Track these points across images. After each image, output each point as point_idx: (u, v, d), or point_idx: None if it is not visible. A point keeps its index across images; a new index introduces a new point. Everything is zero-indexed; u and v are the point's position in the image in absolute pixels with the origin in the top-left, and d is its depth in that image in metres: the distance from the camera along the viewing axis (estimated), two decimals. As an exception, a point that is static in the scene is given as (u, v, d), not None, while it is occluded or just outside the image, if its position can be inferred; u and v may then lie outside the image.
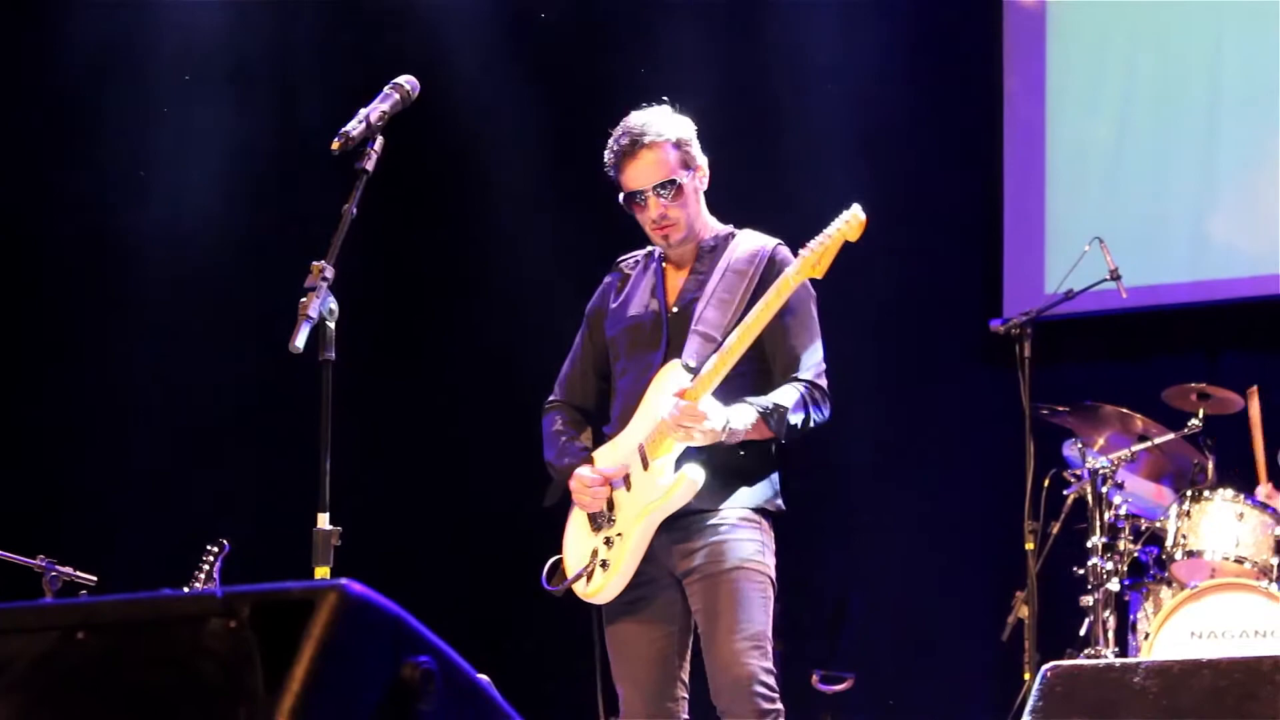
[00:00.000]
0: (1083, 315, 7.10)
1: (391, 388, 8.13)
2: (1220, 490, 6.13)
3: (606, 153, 4.55)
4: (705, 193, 4.61)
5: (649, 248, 4.70)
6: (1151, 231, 7.41)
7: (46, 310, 8.11)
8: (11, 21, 8.05)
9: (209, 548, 6.03)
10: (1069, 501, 6.34)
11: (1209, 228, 7.43)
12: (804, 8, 7.81)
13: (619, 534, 4.44)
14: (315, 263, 3.73)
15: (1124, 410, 6.38)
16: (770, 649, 4.36)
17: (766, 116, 7.79)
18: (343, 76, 7.83)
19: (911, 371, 7.74)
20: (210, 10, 8.09)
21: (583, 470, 4.51)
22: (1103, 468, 6.20)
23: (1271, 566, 5.97)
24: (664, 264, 4.64)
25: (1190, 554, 6.07)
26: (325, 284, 3.72)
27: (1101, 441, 6.43)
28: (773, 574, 4.43)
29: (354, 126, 3.91)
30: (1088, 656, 5.98)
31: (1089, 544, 6.18)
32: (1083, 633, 6.15)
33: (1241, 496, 6.10)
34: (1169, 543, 6.13)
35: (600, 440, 4.65)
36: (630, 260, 4.74)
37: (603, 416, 4.69)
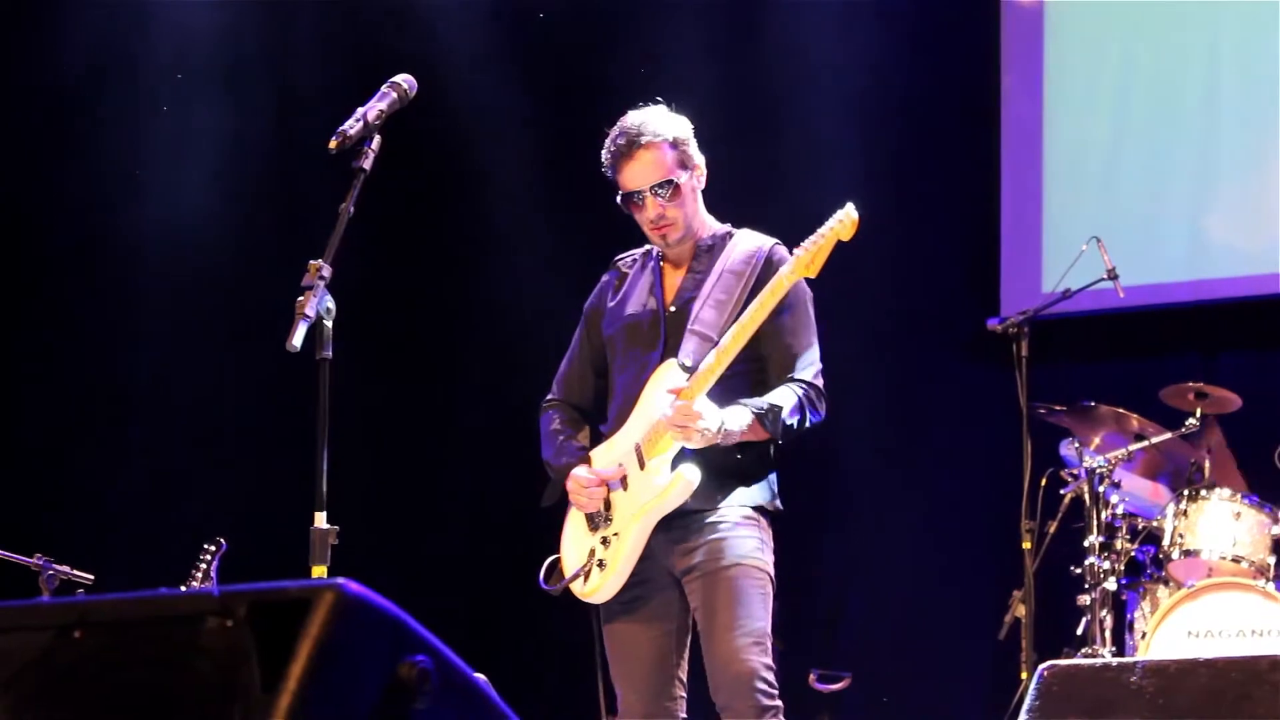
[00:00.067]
0: (1080, 314, 7.11)
1: (389, 387, 8.13)
2: (1217, 489, 6.14)
3: (603, 153, 4.55)
4: (703, 192, 4.61)
5: (647, 246, 4.70)
6: (1149, 231, 7.41)
7: (44, 309, 8.10)
8: (8, 21, 8.04)
9: (206, 546, 6.03)
10: (1066, 501, 6.34)
11: (1206, 227, 7.43)
12: (801, 7, 7.81)
13: (615, 534, 4.44)
14: (312, 261, 3.73)
15: (1121, 409, 6.38)
16: (770, 645, 4.36)
17: (764, 115, 7.79)
18: (340, 76, 7.83)
19: (909, 370, 7.75)
20: (206, 9, 8.08)
21: (579, 470, 4.51)
22: (1100, 467, 6.21)
23: (1268, 566, 5.97)
24: (661, 263, 4.64)
25: (1187, 553, 6.07)
26: (322, 283, 3.72)
27: (1098, 441, 6.43)
28: (772, 572, 4.43)
29: (351, 125, 3.91)
30: (1085, 656, 5.98)
31: (1086, 543, 6.19)
32: (1080, 632, 6.15)
33: (1238, 496, 6.11)
34: (1166, 542, 6.13)
35: (597, 439, 4.65)
36: (628, 259, 4.74)
37: (600, 415, 4.69)
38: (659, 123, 4.52)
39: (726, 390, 4.34)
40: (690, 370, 4.35)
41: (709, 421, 4.26)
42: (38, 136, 8.03)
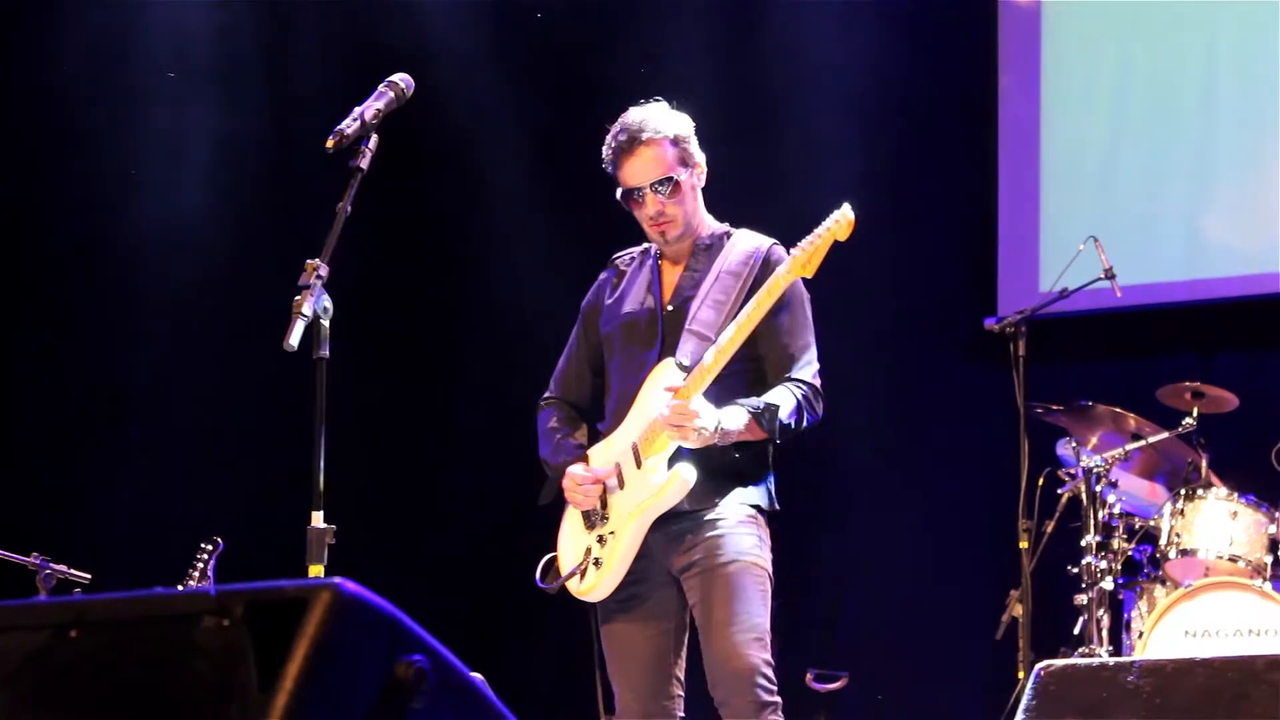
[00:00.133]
0: (1077, 314, 7.11)
1: (387, 386, 8.13)
2: (1214, 489, 6.14)
3: (604, 149, 4.55)
4: (702, 191, 4.62)
5: (644, 244, 4.71)
6: (1146, 230, 7.41)
7: (42, 308, 8.10)
8: (7, 21, 8.04)
9: (203, 546, 6.03)
10: (1063, 500, 6.34)
11: (1204, 227, 7.43)
12: (799, 7, 7.81)
13: (612, 532, 4.44)
14: (309, 261, 3.73)
15: (1118, 409, 6.39)
16: (769, 641, 4.37)
17: (762, 116, 7.79)
18: (338, 75, 7.82)
19: (906, 370, 7.75)
20: (204, 9, 8.08)
21: (575, 469, 4.52)
22: (1097, 466, 6.21)
23: (1265, 565, 5.97)
24: (659, 261, 4.64)
25: (1184, 552, 6.07)
26: (320, 282, 3.72)
27: (1095, 440, 6.43)
28: (770, 570, 4.43)
29: (349, 125, 3.91)
30: (1082, 655, 5.98)
31: (1083, 542, 6.19)
32: (1077, 631, 6.15)
33: (1235, 495, 6.11)
34: (1163, 541, 6.13)
35: (595, 437, 4.65)
36: (626, 257, 4.74)
37: (597, 413, 4.69)
38: (661, 120, 4.53)
39: (724, 390, 4.34)
40: (687, 369, 4.35)
41: (705, 421, 4.26)
42: (37, 136, 8.03)
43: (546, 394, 4.77)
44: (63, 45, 7.93)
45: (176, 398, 8.08)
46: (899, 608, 7.48)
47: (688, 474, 4.32)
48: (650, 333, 4.53)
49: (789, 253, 4.34)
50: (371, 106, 3.97)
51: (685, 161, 4.53)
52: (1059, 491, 6.35)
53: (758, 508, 4.46)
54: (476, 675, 2.13)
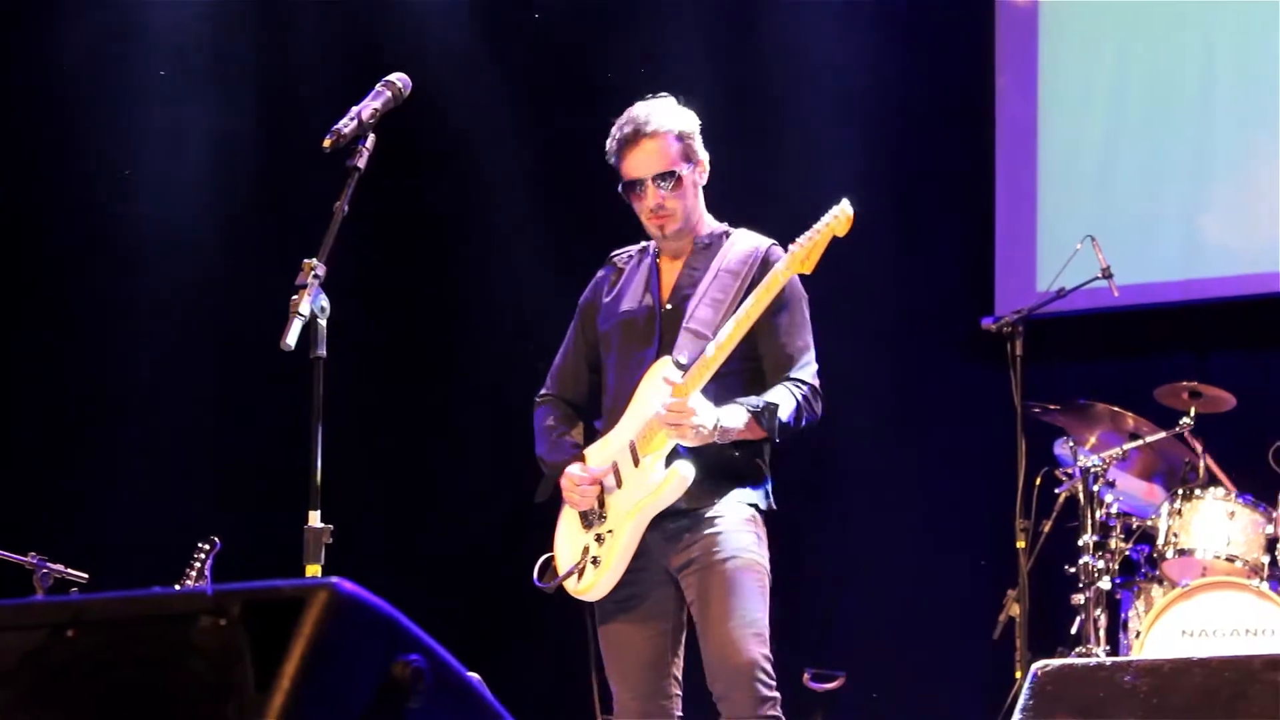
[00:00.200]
0: (1074, 313, 7.11)
1: (384, 385, 8.13)
2: (1211, 489, 6.15)
3: (609, 140, 4.56)
4: (702, 190, 4.62)
5: (642, 242, 4.71)
6: (1143, 230, 7.41)
7: (40, 308, 8.09)
8: (7, 21, 8.03)
9: (200, 545, 6.02)
10: (1060, 500, 6.34)
11: (1201, 226, 7.43)
12: (798, 8, 7.81)
13: (610, 531, 4.44)
14: (306, 260, 3.73)
15: (1115, 408, 6.39)
16: (767, 637, 4.37)
17: (760, 115, 7.79)
18: (336, 74, 7.82)
19: (903, 369, 7.75)
20: (202, 8, 8.07)
21: (572, 469, 4.51)
22: (1094, 466, 6.21)
23: (1262, 565, 5.98)
24: (658, 260, 4.64)
25: (1181, 552, 6.08)
26: (317, 281, 3.72)
27: (1093, 440, 6.43)
28: (768, 568, 4.43)
29: (346, 124, 3.91)
30: (1079, 655, 5.98)
31: (1080, 542, 6.19)
32: (1074, 631, 6.15)
33: (1233, 495, 6.11)
34: (1160, 541, 6.13)
35: (591, 434, 4.65)
36: (623, 255, 4.74)
37: (594, 410, 4.69)
38: (667, 114, 4.54)
39: (723, 389, 4.34)
40: (684, 367, 4.35)
41: (704, 418, 4.26)
42: (37, 136, 8.02)
43: (543, 391, 4.76)
44: (62, 45, 7.92)
45: (173, 397, 8.07)
46: (896, 607, 7.48)
47: (686, 471, 4.32)
48: (648, 331, 4.53)
49: (787, 249, 4.35)
50: (369, 106, 3.97)
51: (689, 157, 4.53)
52: (1056, 491, 6.35)
53: (755, 507, 4.46)
54: (474, 675, 2.13)
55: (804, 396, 4.42)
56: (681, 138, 4.53)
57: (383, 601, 1.95)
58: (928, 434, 7.65)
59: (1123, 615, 6.26)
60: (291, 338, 3.65)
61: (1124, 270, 6.57)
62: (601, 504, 4.47)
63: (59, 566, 6.03)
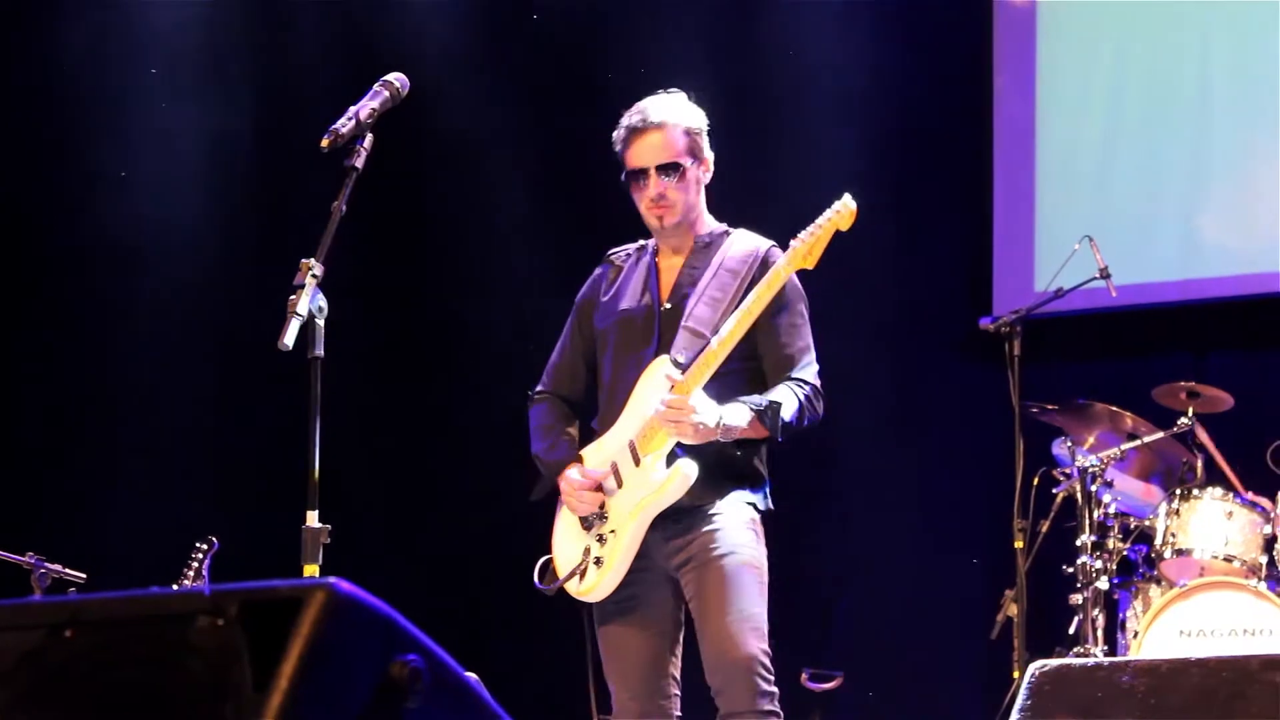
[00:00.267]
0: (1072, 313, 7.11)
1: (383, 385, 8.13)
2: (1209, 489, 6.15)
3: (617, 129, 4.57)
4: (705, 189, 4.63)
5: (641, 241, 4.71)
6: (1141, 230, 7.41)
7: (39, 307, 8.09)
8: (7, 21, 8.03)
9: (198, 545, 6.02)
10: (1058, 500, 6.34)
11: (1199, 226, 7.43)
12: (796, 8, 7.81)
13: (612, 531, 4.43)
14: (304, 260, 3.73)
15: (1113, 408, 6.39)
16: (766, 632, 4.37)
17: (758, 115, 7.78)
18: (334, 74, 7.81)
19: (901, 369, 7.74)
20: (201, 8, 8.07)
21: (571, 473, 4.50)
22: (1092, 466, 6.21)
23: (1260, 565, 5.98)
24: (656, 258, 4.64)
25: (1179, 552, 6.08)
26: (314, 281, 3.72)
27: (1091, 440, 6.43)
28: (765, 566, 4.43)
29: (344, 124, 3.91)
30: (1077, 655, 5.98)
31: (1078, 542, 6.19)
32: (1072, 631, 6.15)
33: (1230, 495, 6.11)
34: (1158, 541, 6.13)
35: (586, 433, 4.64)
36: (621, 253, 4.74)
37: (590, 407, 4.68)
38: (676, 108, 4.56)
39: (723, 388, 4.34)
40: (683, 366, 4.35)
41: (705, 416, 4.26)
42: (37, 136, 8.02)
43: (539, 388, 4.75)
44: (62, 45, 7.92)
45: (172, 397, 8.07)
46: (894, 607, 7.48)
47: (689, 469, 4.31)
48: (647, 330, 4.52)
49: (789, 244, 4.35)
50: (367, 106, 3.97)
51: (694, 153, 4.54)
52: (1054, 491, 6.35)
53: (754, 507, 4.46)
54: (471, 675, 2.13)
55: (806, 396, 4.43)
56: (689, 133, 4.54)
57: (380, 601, 1.94)
58: (926, 434, 7.65)
59: (1120, 615, 6.26)
60: (289, 338, 3.65)
61: (1122, 270, 6.58)
62: (601, 505, 4.47)
63: (57, 566, 6.02)
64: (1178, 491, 6.19)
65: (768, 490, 4.52)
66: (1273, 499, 6.05)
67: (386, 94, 4.02)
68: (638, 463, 4.40)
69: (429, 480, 8.13)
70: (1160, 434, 6.29)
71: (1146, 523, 6.26)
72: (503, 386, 7.32)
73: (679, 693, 4.52)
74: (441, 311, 8.25)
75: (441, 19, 8.08)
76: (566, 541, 4.55)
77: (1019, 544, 6.31)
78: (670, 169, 4.50)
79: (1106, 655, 6.02)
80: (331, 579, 1.91)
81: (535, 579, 4.56)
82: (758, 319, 4.36)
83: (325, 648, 1.86)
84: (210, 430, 8.08)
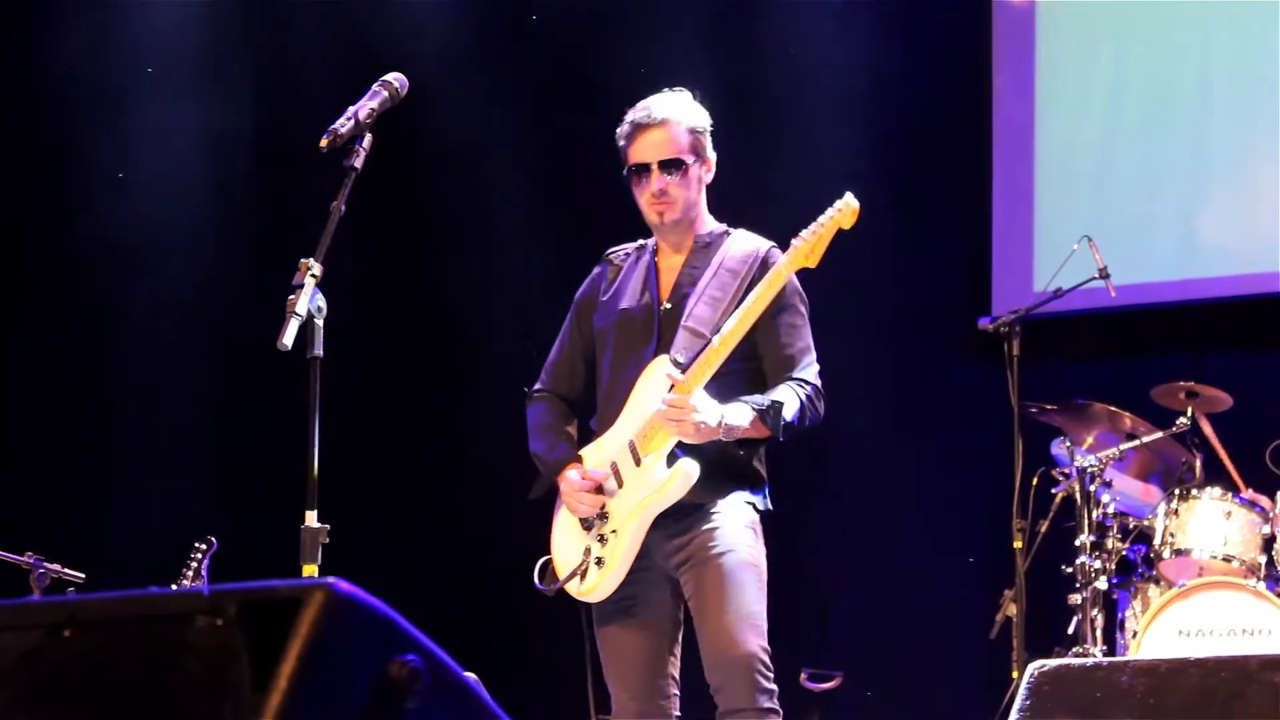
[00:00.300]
0: (1071, 313, 7.11)
1: (382, 385, 8.13)
2: (1208, 489, 6.14)
3: (621, 125, 4.57)
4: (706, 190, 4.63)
5: (640, 241, 4.71)
6: (1140, 230, 7.41)
7: (35, 307, 8.09)
8: (7, 21, 8.03)
9: (197, 545, 6.02)
10: (1057, 500, 6.34)
11: (1198, 227, 7.43)
12: (796, 7, 7.81)
13: (613, 531, 4.43)
14: (303, 260, 3.73)
15: (1112, 408, 6.39)
16: (765, 629, 4.37)
17: (757, 115, 7.78)
18: (333, 74, 7.81)
19: (901, 369, 7.75)
20: (200, 8, 8.07)
21: (571, 474, 4.50)
22: (1091, 466, 6.21)
23: (1259, 565, 5.98)
24: (656, 258, 4.64)
25: (1178, 552, 6.08)
26: (313, 281, 3.72)
27: (1090, 440, 6.43)
28: (764, 565, 4.43)
29: (342, 124, 3.91)
30: (1076, 655, 5.98)
31: (1077, 542, 6.19)
32: (1071, 631, 6.15)
33: (1229, 495, 6.11)
34: (1157, 541, 6.13)
35: (584, 432, 4.64)
36: (620, 253, 4.74)
37: (588, 406, 4.68)
38: (682, 106, 4.57)
39: (724, 388, 4.34)
40: (681, 365, 4.35)
41: (707, 415, 4.26)
42: (37, 136, 8.02)
43: (537, 386, 4.75)
44: (62, 45, 7.92)
45: (171, 397, 8.07)
46: (893, 607, 7.48)
47: (690, 469, 4.31)
48: (646, 330, 4.52)
49: (790, 243, 4.34)
50: (366, 106, 3.97)
51: (697, 151, 4.55)
52: (1053, 491, 6.35)
53: (753, 506, 4.47)
54: (470, 675, 2.13)
55: (808, 396, 4.43)
56: (693, 131, 4.55)
57: (379, 601, 1.94)
58: (925, 434, 7.65)
59: (1119, 615, 6.26)
60: (288, 338, 3.65)
61: (1121, 270, 6.58)
62: (602, 506, 4.47)
63: (56, 566, 6.02)
64: (1176, 491, 6.19)
65: (767, 491, 4.52)
66: (1272, 499, 6.05)
67: (385, 94, 4.02)
68: (638, 463, 4.40)
69: (428, 480, 8.13)
70: (1159, 434, 6.29)
71: (1145, 523, 6.26)
72: (502, 386, 7.32)
73: (678, 693, 4.52)
74: (441, 311, 8.25)
75: (441, 19, 8.08)
76: (566, 541, 4.54)
77: (1018, 544, 6.31)
78: (673, 165, 4.51)
79: (1105, 655, 6.02)
80: (330, 579, 1.91)
81: (535, 579, 4.56)
82: (758, 319, 4.36)
83: (324, 648, 1.86)
84: (209, 430, 8.08)
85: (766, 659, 4.35)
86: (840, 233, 4.33)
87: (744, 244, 4.57)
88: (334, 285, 3.77)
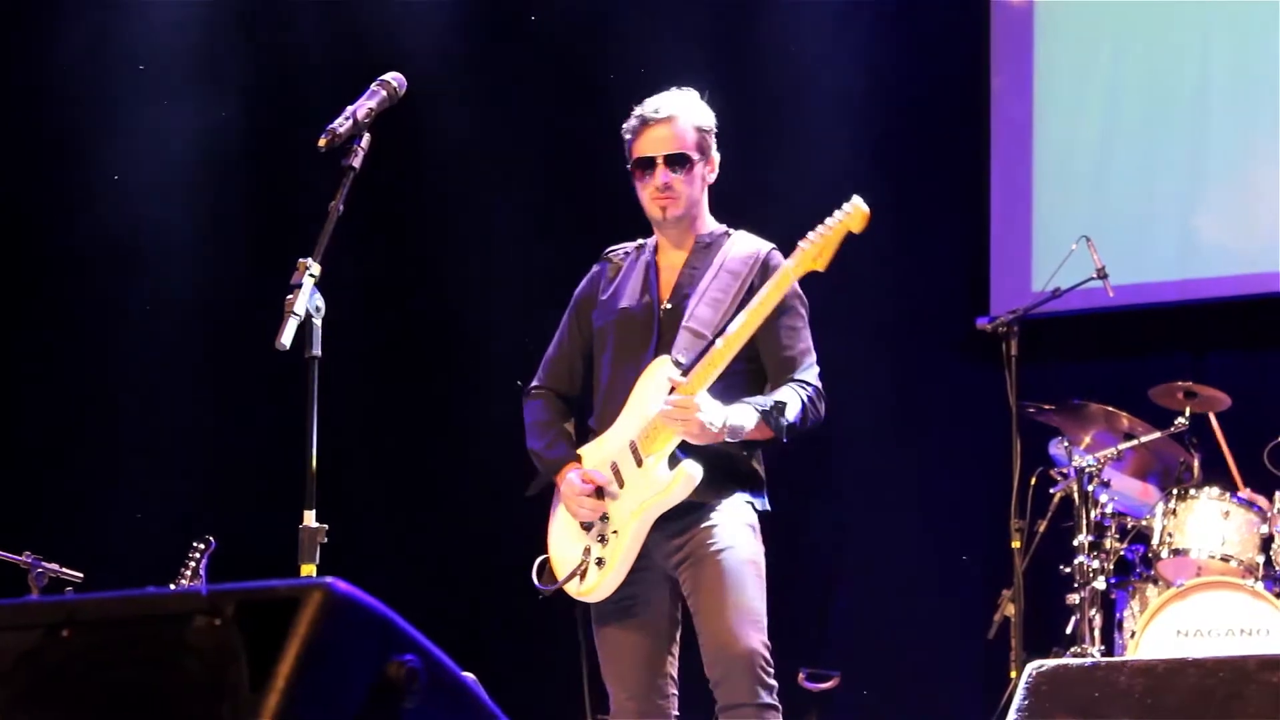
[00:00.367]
0: (1069, 313, 7.11)
1: (380, 385, 8.12)
2: (1206, 489, 6.15)
3: (628, 120, 4.57)
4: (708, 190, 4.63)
5: (639, 240, 4.71)
6: (1138, 230, 7.41)
7: (34, 307, 8.09)
8: (7, 21, 8.03)
9: (195, 545, 6.02)
10: (1055, 500, 6.35)
11: (1196, 227, 7.44)
12: (795, 8, 7.81)
13: (614, 531, 4.42)
14: (301, 259, 3.73)
15: (1110, 408, 6.39)
16: (765, 625, 4.37)
17: (757, 115, 7.78)
18: (332, 74, 7.81)
19: (899, 369, 7.75)
20: (200, 9, 8.07)
21: (572, 477, 4.49)
22: (1089, 466, 6.21)
23: (1257, 565, 5.98)
24: (656, 257, 4.64)
25: (1176, 552, 6.08)
26: (312, 280, 3.72)
27: (1088, 440, 6.43)
28: (763, 563, 4.43)
29: (341, 123, 3.91)
30: (1074, 655, 5.98)
31: (1075, 542, 6.19)
32: (1069, 631, 6.15)
33: (1227, 495, 6.12)
34: (1155, 541, 6.14)
35: (582, 431, 4.64)
36: (619, 251, 4.73)
37: (585, 404, 4.68)
38: (690, 105, 4.58)
39: (724, 390, 4.34)
40: (683, 366, 4.35)
41: (712, 416, 4.26)
42: (37, 136, 8.02)
43: (534, 383, 4.74)
44: (62, 45, 7.92)
45: (169, 397, 8.07)
46: (891, 607, 7.48)
47: (693, 471, 4.31)
48: (646, 330, 4.52)
49: (797, 245, 4.34)
50: (364, 105, 3.97)
51: (703, 150, 4.56)
52: (1051, 491, 6.35)
53: (752, 506, 4.47)
54: (468, 675, 2.13)
55: (809, 397, 4.43)
56: (700, 130, 4.56)
57: (377, 601, 1.94)
58: (923, 434, 7.65)
59: (1118, 615, 6.26)
60: (286, 337, 3.65)
61: (1119, 270, 6.58)
62: (603, 511, 4.46)
63: (54, 566, 6.02)
64: (1175, 491, 6.19)
65: (765, 492, 4.52)
66: (1270, 499, 6.05)
67: (384, 93, 4.03)
68: (640, 463, 4.39)
69: (427, 480, 8.12)
70: (1157, 434, 6.29)
71: (1143, 522, 6.27)
72: (502, 386, 7.32)
73: (676, 692, 4.52)
74: (441, 311, 8.24)
75: (441, 19, 8.08)
76: (565, 541, 4.54)
77: (1016, 544, 6.31)
78: (678, 161, 4.51)
79: (1104, 655, 6.02)
80: (329, 579, 1.91)
81: (534, 578, 4.55)
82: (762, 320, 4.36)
83: (322, 648, 1.86)
84: (207, 430, 8.08)
85: (767, 654, 4.35)
86: (859, 229, 4.33)
87: (744, 245, 4.57)
88: (333, 285, 3.77)
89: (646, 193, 4.55)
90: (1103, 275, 6.48)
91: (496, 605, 7.48)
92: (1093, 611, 6.13)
